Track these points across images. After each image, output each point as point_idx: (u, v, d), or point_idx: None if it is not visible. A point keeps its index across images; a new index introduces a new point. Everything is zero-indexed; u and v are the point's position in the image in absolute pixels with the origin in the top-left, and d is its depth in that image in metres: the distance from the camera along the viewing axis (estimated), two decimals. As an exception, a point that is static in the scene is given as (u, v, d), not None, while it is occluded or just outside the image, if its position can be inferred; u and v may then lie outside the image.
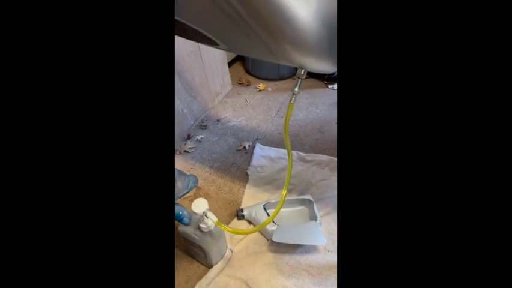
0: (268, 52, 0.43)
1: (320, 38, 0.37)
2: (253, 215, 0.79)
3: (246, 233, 0.76)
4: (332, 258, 0.72)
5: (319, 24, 0.35)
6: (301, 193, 0.89)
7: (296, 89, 0.52)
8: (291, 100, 0.54)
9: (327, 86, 1.53)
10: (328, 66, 0.43)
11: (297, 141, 1.16)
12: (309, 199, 0.81)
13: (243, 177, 1.00)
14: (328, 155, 1.05)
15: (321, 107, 1.38)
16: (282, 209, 0.81)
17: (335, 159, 1.02)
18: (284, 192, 0.64)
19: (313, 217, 0.78)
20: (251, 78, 1.64)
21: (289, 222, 0.79)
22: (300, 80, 0.50)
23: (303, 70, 0.47)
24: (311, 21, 0.35)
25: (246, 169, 1.03)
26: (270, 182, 0.97)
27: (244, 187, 0.96)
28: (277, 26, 0.36)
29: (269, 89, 1.55)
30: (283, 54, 0.42)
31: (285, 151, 1.06)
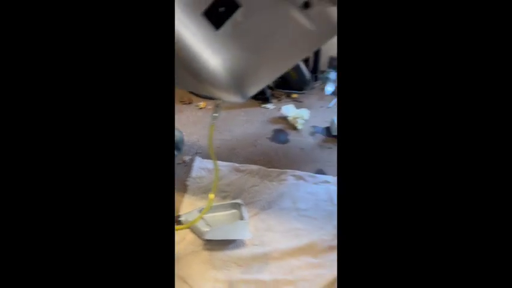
0: (197, 87, 0.57)
1: (227, 80, 0.52)
2: (190, 219, 0.89)
3: (178, 229, 0.87)
4: (257, 250, 0.86)
5: (225, 71, 0.51)
6: (234, 198, 1.03)
7: (215, 114, 0.67)
8: (211, 123, 0.68)
9: (260, 106, 1.74)
10: (237, 99, 0.59)
11: (233, 154, 1.31)
12: (239, 203, 0.96)
13: (183, 189, 1.10)
14: (259, 165, 1.23)
15: (255, 124, 1.57)
16: (216, 213, 0.94)
17: (264, 168, 1.20)
18: (211, 195, 0.77)
19: (242, 218, 0.93)
20: (193, 97, 1.76)
21: (222, 223, 0.92)
22: (218, 107, 0.65)
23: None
24: (219, 69, 0.51)
25: (185, 181, 1.13)
26: (208, 191, 1.08)
27: (183, 197, 1.06)
28: (197, 71, 0.51)
29: (209, 107, 1.69)
30: (205, 89, 0.56)
31: (223, 163, 1.20)
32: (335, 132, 1.52)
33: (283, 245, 0.88)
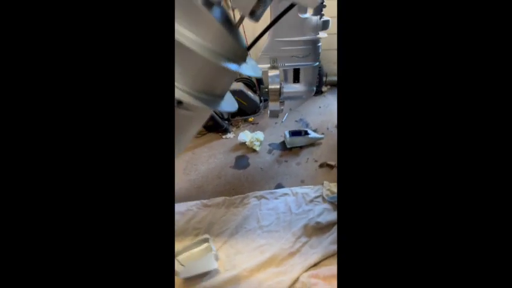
0: None
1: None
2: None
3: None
4: (229, 274, 0.99)
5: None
6: (205, 232, 1.18)
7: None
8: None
9: (221, 137, 1.91)
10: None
11: (201, 191, 1.46)
12: (206, 237, 1.10)
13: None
14: (225, 195, 1.38)
15: (218, 156, 1.73)
16: (190, 251, 1.07)
17: (228, 198, 1.35)
18: None
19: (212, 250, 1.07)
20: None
21: (195, 260, 1.06)
22: None
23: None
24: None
25: (162, 228, 1.26)
26: (181, 233, 1.22)
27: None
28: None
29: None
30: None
31: (192, 202, 1.34)
32: (289, 145, 1.69)
33: (251, 263, 1.02)
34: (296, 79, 1.33)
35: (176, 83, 0.49)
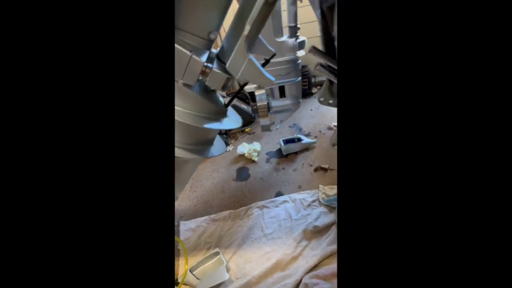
0: None
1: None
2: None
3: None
4: (240, 282, 1.12)
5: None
6: (216, 246, 1.30)
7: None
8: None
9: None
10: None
11: (208, 206, 1.58)
12: (217, 251, 1.22)
13: (177, 253, 1.36)
14: (230, 208, 1.49)
15: (220, 170, 1.84)
16: (203, 265, 1.20)
17: (233, 210, 1.47)
18: (186, 266, 1.03)
19: (223, 262, 1.19)
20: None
21: (210, 272, 1.18)
22: None
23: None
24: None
25: (177, 246, 1.39)
26: (195, 248, 1.35)
27: (178, 260, 1.32)
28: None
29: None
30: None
31: (201, 218, 1.47)
32: (284, 152, 1.80)
33: (259, 270, 1.14)
34: (282, 94, 1.44)
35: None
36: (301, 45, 1.28)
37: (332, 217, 1.27)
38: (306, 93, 2.50)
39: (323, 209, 1.34)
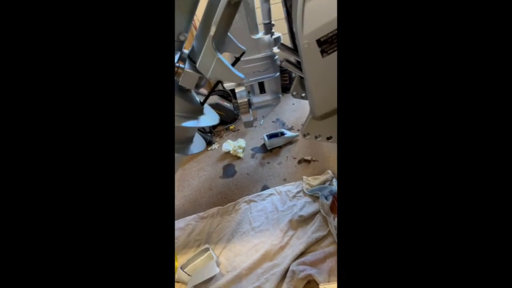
0: None
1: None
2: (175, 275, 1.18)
3: None
4: (231, 275, 1.15)
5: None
6: (206, 243, 1.32)
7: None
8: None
9: (207, 150, 2.04)
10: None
11: (196, 204, 1.60)
12: (206, 247, 1.25)
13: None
14: (218, 205, 1.52)
15: (207, 168, 1.86)
16: (194, 262, 1.22)
17: (221, 207, 1.49)
18: (176, 263, 1.05)
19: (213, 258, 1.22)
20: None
21: (201, 268, 1.20)
22: None
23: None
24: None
25: (167, 245, 1.40)
26: (185, 246, 1.37)
27: (169, 259, 1.34)
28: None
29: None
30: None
31: (190, 217, 1.48)
32: (269, 147, 1.84)
33: (248, 262, 1.17)
34: (262, 90, 1.47)
35: None
36: (276, 41, 1.31)
37: (316, 206, 1.32)
38: (287, 88, 2.53)
39: (307, 199, 1.39)
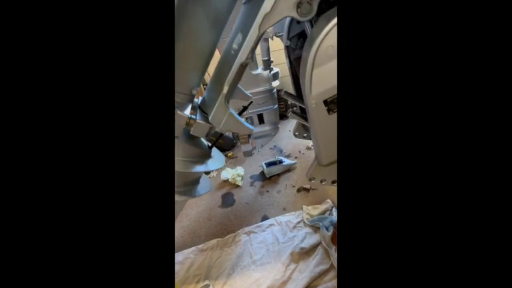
0: None
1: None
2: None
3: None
4: (233, 313, 1.12)
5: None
6: (206, 278, 1.29)
7: None
8: None
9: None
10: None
11: (195, 236, 1.57)
12: (207, 284, 1.21)
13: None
14: (217, 236, 1.50)
15: (205, 197, 1.85)
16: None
17: (221, 239, 1.47)
18: None
19: (214, 294, 1.18)
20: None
21: (201, 306, 1.16)
22: None
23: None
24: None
25: (165, 281, 1.36)
26: (184, 282, 1.32)
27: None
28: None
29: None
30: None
31: (188, 250, 1.45)
32: (268, 174, 1.85)
33: (250, 298, 1.14)
34: (261, 121, 1.51)
35: None
36: (275, 76, 1.37)
37: (317, 237, 1.31)
38: (284, 116, 2.60)
39: (307, 229, 1.38)
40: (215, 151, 0.84)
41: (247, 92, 0.80)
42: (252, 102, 0.80)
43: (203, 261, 1.39)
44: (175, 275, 1.36)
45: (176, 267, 1.41)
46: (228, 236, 1.48)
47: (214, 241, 1.47)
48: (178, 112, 0.63)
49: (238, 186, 1.86)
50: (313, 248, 1.28)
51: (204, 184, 0.83)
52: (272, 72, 1.36)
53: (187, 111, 0.66)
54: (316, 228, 1.37)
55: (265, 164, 1.87)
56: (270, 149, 2.19)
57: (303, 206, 1.52)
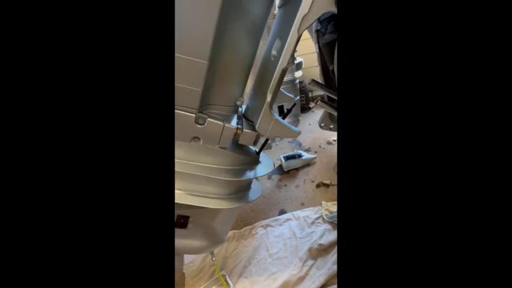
0: None
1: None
2: (192, 305, 1.14)
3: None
4: (248, 305, 1.11)
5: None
6: (221, 268, 1.29)
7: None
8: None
9: (223, 169, 2.04)
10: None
11: (212, 226, 1.58)
12: (223, 274, 1.21)
13: (182, 277, 1.35)
14: (234, 229, 1.49)
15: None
16: (212, 289, 1.19)
17: (237, 231, 1.46)
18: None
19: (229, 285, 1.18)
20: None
21: (217, 296, 1.17)
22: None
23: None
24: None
25: (182, 269, 1.38)
26: (200, 271, 1.34)
27: (184, 285, 1.31)
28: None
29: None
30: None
31: (205, 240, 1.45)
32: (286, 168, 1.81)
33: (266, 292, 1.13)
34: (281, 113, 1.47)
35: (217, 194, 0.75)
36: (298, 66, 1.33)
37: (336, 234, 1.27)
38: (304, 108, 2.54)
39: (326, 226, 1.34)
40: (263, 156, 0.85)
41: (289, 94, 0.81)
42: (295, 104, 0.81)
43: (219, 252, 1.39)
44: (191, 264, 1.38)
45: (192, 257, 1.42)
46: (244, 228, 1.47)
47: (230, 233, 1.47)
48: (226, 125, 0.65)
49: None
50: (332, 245, 1.24)
51: (255, 188, 0.87)
52: (295, 62, 1.31)
53: (234, 122, 0.68)
54: (335, 225, 1.33)
55: (283, 157, 1.83)
56: (289, 142, 2.15)
57: (322, 202, 1.48)
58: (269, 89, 0.59)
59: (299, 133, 0.67)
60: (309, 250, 1.24)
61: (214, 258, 1.08)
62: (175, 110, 0.60)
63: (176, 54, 0.51)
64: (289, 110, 0.81)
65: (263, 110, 0.62)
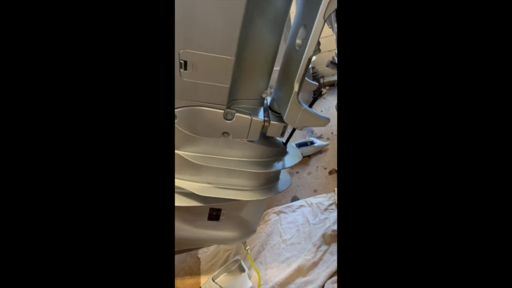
0: None
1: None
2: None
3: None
4: (263, 288, 1.13)
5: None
6: (235, 253, 1.31)
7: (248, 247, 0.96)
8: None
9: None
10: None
11: (225, 213, 1.60)
12: (237, 259, 1.24)
13: (198, 262, 1.38)
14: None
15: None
16: (225, 274, 1.22)
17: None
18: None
19: (244, 270, 1.20)
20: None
21: (233, 281, 1.19)
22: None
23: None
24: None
25: (197, 254, 1.41)
26: (214, 256, 1.36)
27: (199, 269, 1.34)
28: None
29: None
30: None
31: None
32: (297, 155, 1.80)
33: (280, 276, 1.14)
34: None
35: (247, 187, 0.77)
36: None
37: (351, 220, 1.27)
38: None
39: (340, 212, 1.34)
40: (290, 147, 0.86)
41: (312, 82, 0.80)
42: (321, 92, 0.80)
43: (233, 238, 1.41)
44: (206, 249, 1.41)
45: (208, 242, 1.45)
46: (257, 215, 1.48)
47: (244, 219, 1.48)
48: (254, 119, 0.65)
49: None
50: (346, 231, 1.23)
51: (284, 180, 0.89)
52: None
53: (261, 115, 0.68)
54: (349, 212, 1.32)
55: (296, 144, 1.82)
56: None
57: (335, 189, 1.47)
58: (296, 79, 0.59)
59: (328, 121, 0.66)
60: (323, 236, 1.24)
61: (247, 247, 1.10)
62: (205, 108, 0.61)
63: (203, 53, 0.52)
64: (315, 98, 0.80)
65: (291, 100, 0.61)
